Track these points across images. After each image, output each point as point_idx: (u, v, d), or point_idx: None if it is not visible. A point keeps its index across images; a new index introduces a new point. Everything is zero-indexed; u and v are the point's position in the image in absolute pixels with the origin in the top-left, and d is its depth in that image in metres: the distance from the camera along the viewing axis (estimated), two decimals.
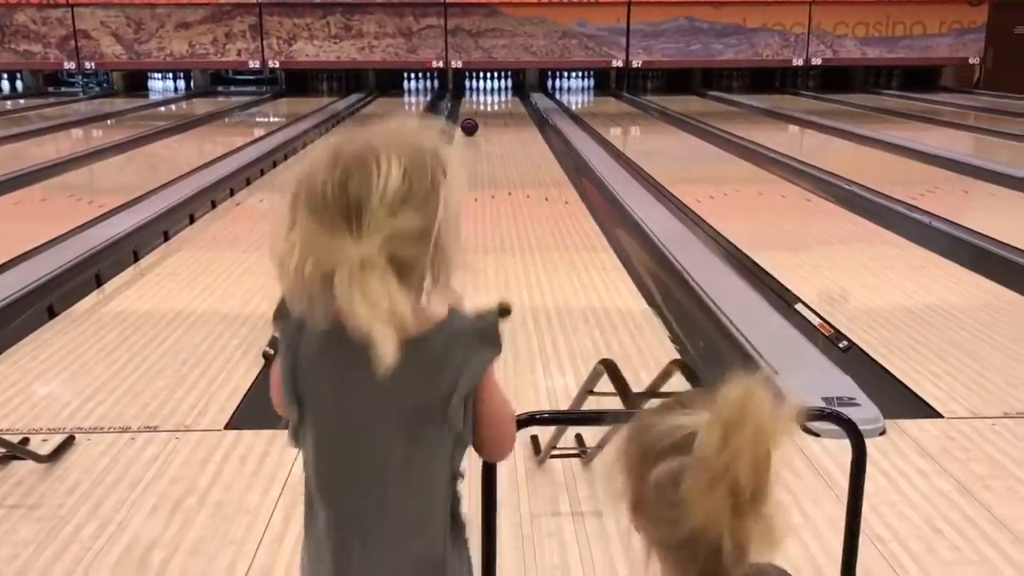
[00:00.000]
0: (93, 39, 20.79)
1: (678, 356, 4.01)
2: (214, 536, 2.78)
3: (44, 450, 3.27)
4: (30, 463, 3.19)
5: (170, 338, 4.57)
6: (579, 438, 3.23)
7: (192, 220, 7.36)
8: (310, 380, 1.33)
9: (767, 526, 1.08)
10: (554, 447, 3.04)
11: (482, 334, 1.32)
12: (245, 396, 3.86)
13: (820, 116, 15.03)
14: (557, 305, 5.03)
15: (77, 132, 14.45)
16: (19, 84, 21.89)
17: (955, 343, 4.48)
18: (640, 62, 20.46)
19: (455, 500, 1.38)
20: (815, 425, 3.18)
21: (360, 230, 1.21)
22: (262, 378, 3.97)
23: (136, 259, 6.15)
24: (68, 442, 3.36)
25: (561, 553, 2.67)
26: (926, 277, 5.72)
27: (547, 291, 5.33)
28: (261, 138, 13.11)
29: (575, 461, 3.15)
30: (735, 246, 6.51)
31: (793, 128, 14.71)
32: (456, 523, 1.39)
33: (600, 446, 3.00)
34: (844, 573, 2.07)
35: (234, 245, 6.59)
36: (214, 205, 8.02)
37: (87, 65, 21.08)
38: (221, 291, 5.43)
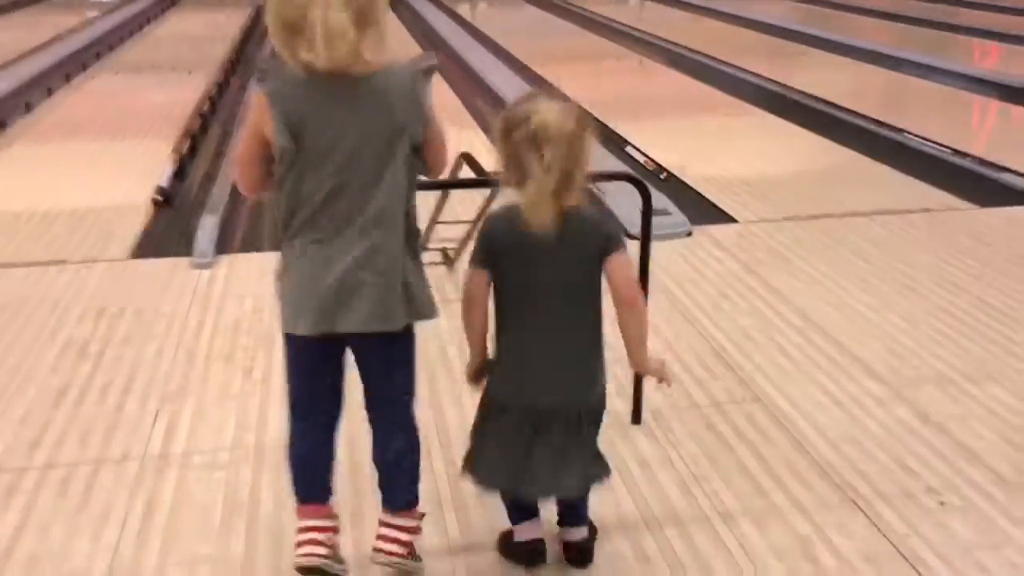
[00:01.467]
0: None
1: None
2: (138, 335, 3.29)
3: None
4: None
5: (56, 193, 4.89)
6: (444, 253, 3.86)
7: (28, 108, 7.11)
8: (303, 119, 1.78)
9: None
10: (425, 248, 3.65)
11: (422, 72, 1.88)
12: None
13: None
14: None
15: None
16: None
17: (752, 167, 5.33)
18: None
19: (412, 208, 1.91)
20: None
21: None
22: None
23: None
24: None
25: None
26: (734, 120, 6.57)
27: None
28: (95, 19, 12.70)
29: (442, 268, 3.79)
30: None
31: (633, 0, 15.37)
32: (412, 227, 1.91)
33: (462, 246, 3.64)
34: None
35: (80, 132, 6.76)
36: (50, 92, 7.77)
37: None
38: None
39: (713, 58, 8.91)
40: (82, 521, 2.30)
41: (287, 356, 1.97)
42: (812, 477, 2.48)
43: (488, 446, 2.00)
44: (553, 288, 1.90)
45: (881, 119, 6.49)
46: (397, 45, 10.08)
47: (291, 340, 1.93)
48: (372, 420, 2.02)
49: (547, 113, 1.81)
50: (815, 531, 2.27)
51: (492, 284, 1.93)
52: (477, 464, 2.03)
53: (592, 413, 2.01)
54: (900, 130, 6.22)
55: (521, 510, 2.09)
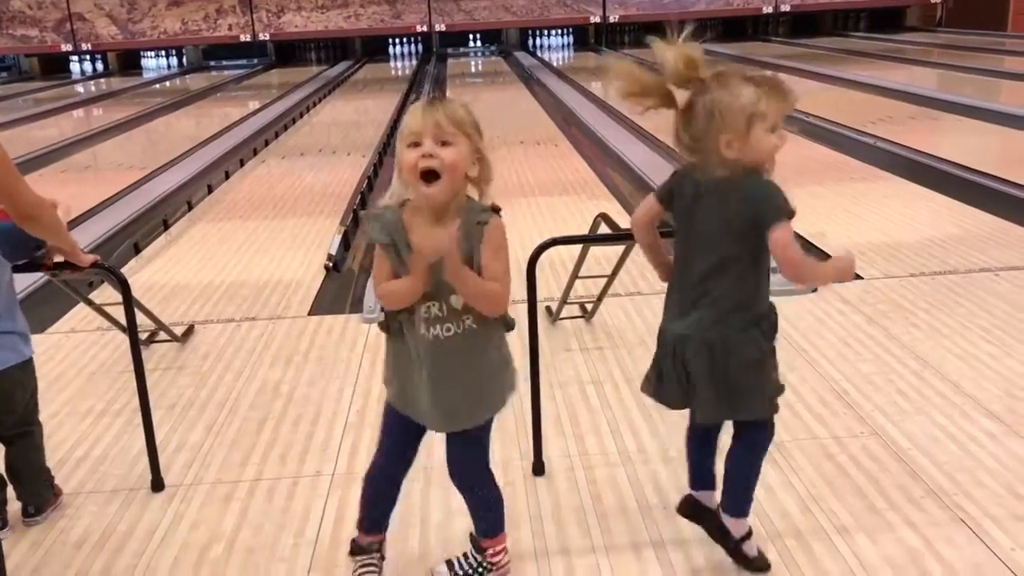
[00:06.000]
0: (88, 20, 21.51)
1: None
2: (320, 378, 3.81)
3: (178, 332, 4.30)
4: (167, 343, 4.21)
5: (226, 282, 5.57)
6: (583, 307, 4.27)
7: (210, 190, 7.93)
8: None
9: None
10: (565, 302, 4.07)
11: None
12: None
13: (790, 60, 15.97)
14: (558, 226, 6.08)
15: (87, 111, 15.28)
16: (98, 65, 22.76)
17: (881, 229, 5.53)
18: (617, 17, 21.31)
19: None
20: None
21: None
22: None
23: (166, 227, 6.62)
24: (191, 329, 4.38)
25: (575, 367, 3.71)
26: (865, 186, 6.77)
27: (547, 216, 6.36)
28: (261, 109, 13.96)
29: (581, 320, 4.19)
30: None
31: (766, 73, 15.62)
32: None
33: (599, 300, 4.04)
34: None
35: (257, 210, 7.55)
36: (227, 176, 8.64)
37: (83, 46, 21.85)
38: (247, 257, 6.42)
39: (845, 126, 9.10)
40: (287, 522, 2.77)
41: None
42: (924, 500, 2.71)
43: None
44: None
45: (1014, 180, 6.56)
46: (535, 122, 10.76)
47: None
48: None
49: None
50: (924, 545, 2.50)
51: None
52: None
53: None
54: None
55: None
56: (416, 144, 2.07)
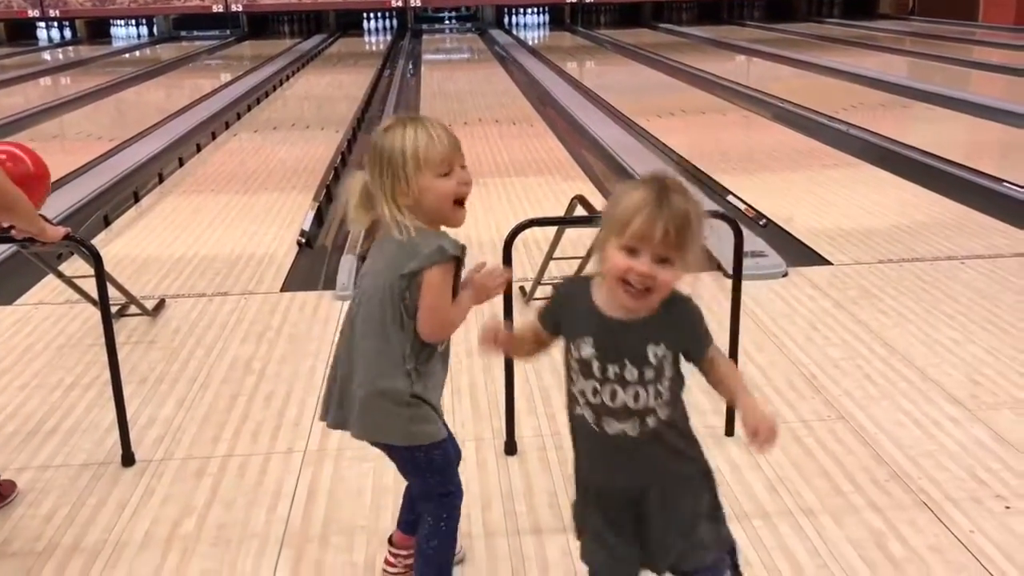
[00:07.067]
0: None
1: None
2: (293, 354, 3.80)
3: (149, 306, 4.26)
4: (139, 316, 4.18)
5: (206, 243, 5.53)
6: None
7: (181, 163, 7.80)
8: None
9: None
10: (539, 282, 4.09)
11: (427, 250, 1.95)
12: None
13: (764, 44, 16.05)
14: (533, 207, 6.08)
15: (54, 80, 15.02)
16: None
17: (851, 216, 5.59)
18: None
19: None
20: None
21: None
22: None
23: (137, 200, 6.52)
24: (161, 303, 4.35)
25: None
26: (836, 172, 6.84)
27: (522, 197, 6.37)
28: (233, 81, 13.79)
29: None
30: (679, 155, 7.57)
31: (739, 57, 15.72)
32: None
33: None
34: (732, 334, 3.09)
35: (230, 184, 7.49)
36: (199, 148, 8.52)
37: (51, 12, 21.44)
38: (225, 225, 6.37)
39: (818, 112, 9.17)
40: (259, 498, 2.77)
41: None
42: (888, 483, 2.76)
43: None
44: None
45: (981, 169, 6.65)
46: (510, 102, 10.74)
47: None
48: None
49: None
50: (888, 527, 2.55)
51: None
52: None
53: None
54: (999, 179, 6.38)
55: None
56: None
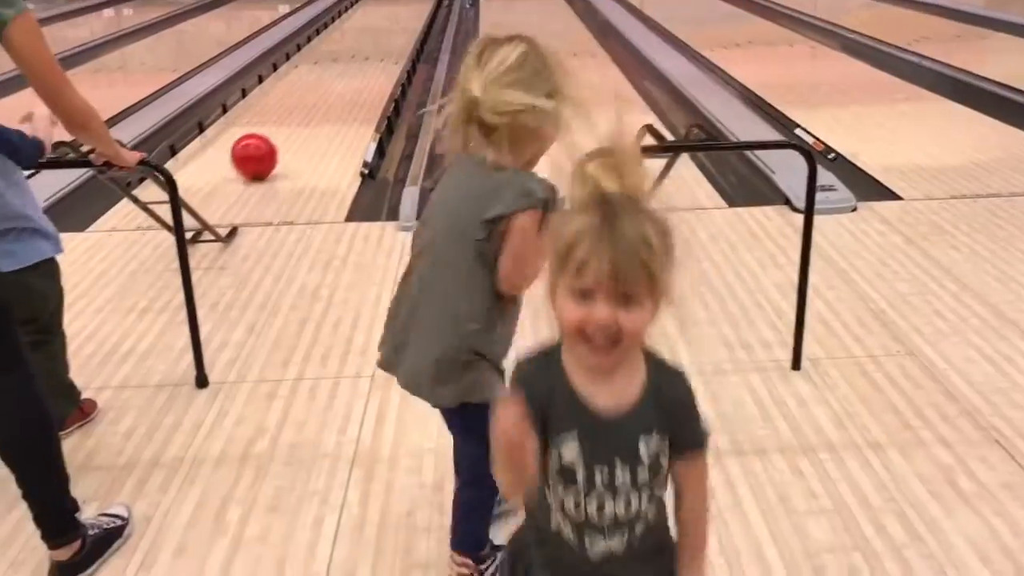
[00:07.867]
0: None
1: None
2: (359, 283, 3.85)
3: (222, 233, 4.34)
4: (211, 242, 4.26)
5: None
6: None
7: (244, 94, 7.82)
8: None
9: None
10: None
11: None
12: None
13: None
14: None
15: (116, 11, 15.14)
16: None
17: (923, 151, 5.43)
18: None
19: None
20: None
21: None
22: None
23: (201, 130, 6.58)
24: (234, 231, 4.43)
25: None
26: (908, 106, 6.63)
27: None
28: (291, 13, 13.67)
29: None
30: (744, 87, 7.40)
31: None
32: None
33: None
34: (802, 268, 3.04)
35: (291, 115, 7.51)
36: (260, 80, 8.47)
37: None
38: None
39: (889, 44, 8.87)
40: (329, 420, 2.84)
41: None
42: (958, 419, 2.73)
43: None
44: None
45: None
46: (571, 34, 10.56)
47: None
48: None
49: None
50: (957, 462, 2.53)
51: None
52: None
53: None
54: None
55: None
56: None
